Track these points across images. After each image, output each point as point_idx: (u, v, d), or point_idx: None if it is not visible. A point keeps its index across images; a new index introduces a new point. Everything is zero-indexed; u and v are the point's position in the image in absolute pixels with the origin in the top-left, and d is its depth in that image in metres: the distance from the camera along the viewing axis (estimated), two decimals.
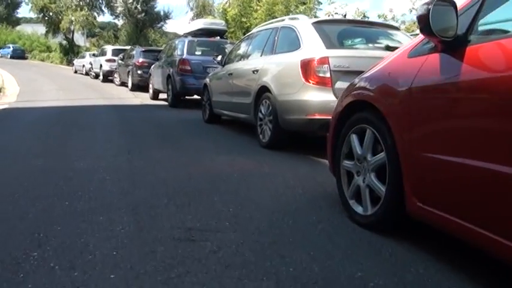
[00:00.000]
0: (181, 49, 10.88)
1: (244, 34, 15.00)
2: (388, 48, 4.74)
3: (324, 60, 4.48)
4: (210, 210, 2.81)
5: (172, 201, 2.99)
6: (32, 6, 36.10)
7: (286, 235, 2.41)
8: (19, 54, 41.12)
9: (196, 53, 10.76)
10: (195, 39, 10.99)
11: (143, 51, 16.45)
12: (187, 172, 3.93)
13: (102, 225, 2.49)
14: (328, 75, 4.46)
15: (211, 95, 7.53)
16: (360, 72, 4.70)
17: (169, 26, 40.62)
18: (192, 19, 24.08)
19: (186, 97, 11.62)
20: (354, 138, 2.68)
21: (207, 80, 7.88)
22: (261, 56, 5.76)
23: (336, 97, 4.43)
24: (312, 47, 4.72)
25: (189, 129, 7.21)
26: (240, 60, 6.48)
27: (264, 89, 5.29)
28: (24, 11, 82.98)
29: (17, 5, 49.53)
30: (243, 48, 6.67)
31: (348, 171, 2.78)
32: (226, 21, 14.40)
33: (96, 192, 3.19)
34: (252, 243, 2.29)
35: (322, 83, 4.48)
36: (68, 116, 8.69)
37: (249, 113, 5.79)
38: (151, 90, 13.27)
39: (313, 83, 4.51)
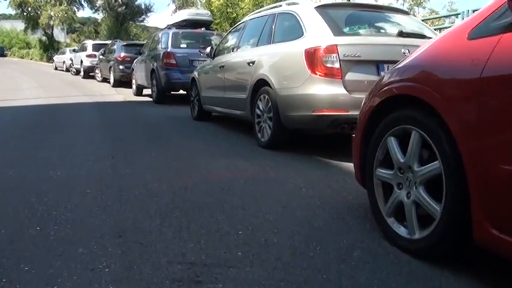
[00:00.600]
0: (165, 42, 10.27)
1: (231, 25, 14.43)
2: (401, 34, 4.25)
3: (332, 49, 3.96)
4: (215, 235, 2.28)
5: (167, 222, 2.45)
6: (10, 2, 34.99)
7: (318, 269, 1.89)
8: None
9: (181, 45, 10.17)
10: (180, 31, 10.39)
11: (124, 45, 15.80)
12: (182, 181, 3.39)
13: (81, 262, 1.95)
14: (337, 65, 3.95)
15: (200, 90, 6.98)
16: (373, 62, 4.32)
17: (150, 20, 39.85)
18: (175, 11, 23.35)
19: (172, 92, 11.08)
20: (393, 142, 2.17)
21: (195, 73, 7.32)
22: (256, 46, 5.22)
23: (347, 90, 3.94)
24: (317, 34, 4.19)
25: (177, 127, 6.65)
26: (232, 51, 5.92)
27: (261, 83, 4.76)
28: (2, 7, 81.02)
29: None
30: (235, 38, 6.10)
31: (384, 182, 2.27)
32: (212, 12, 13.74)
33: (75, 211, 2.64)
34: (277, 284, 1.77)
35: (330, 74, 3.96)
36: (46, 115, 8.08)
37: (244, 109, 5.26)
38: (134, 86, 12.65)
39: (320, 75, 3.99)
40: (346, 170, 3.76)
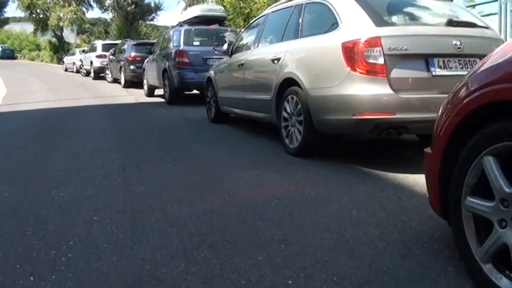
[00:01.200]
0: (177, 40, 9.77)
1: (244, 21, 13.89)
2: (451, 23, 3.68)
3: (374, 42, 3.40)
4: (260, 285, 1.76)
5: (194, 265, 1.93)
6: (18, 4, 34.79)
7: None
8: (8, 54, 39.80)
9: (194, 43, 9.67)
10: (192, 27, 9.87)
11: (135, 44, 15.35)
12: (205, 202, 2.88)
13: None
14: (381, 60, 3.39)
15: (217, 90, 6.46)
16: (422, 56, 3.68)
17: (160, 19, 39.38)
18: (185, 9, 22.86)
19: (185, 92, 10.59)
20: (492, 164, 1.60)
21: (211, 72, 6.80)
22: (281, 41, 4.67)
23: (393, 89, 3.39)
24: (356, 25, 3.63)
25: (194, 132, 6.15)
26: (253, 47, 5.38)
27: (289, 82, 4.22)
28: (12, 10, 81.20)
29: (4, 4, 47.92)
30: (255, 33, 5.55)
31: (477, 216, 1.72)
32: (224, 7, 13.18)
33: (78, 250, 2.14)
34: None
35: (373, 71, 3.40)
36: (54, 120, 7.65)
37: (268, 111, 4.74)
38: (145, 87, 12.17)
39: (361, 72, 3.43)
40: (396, 184, 3.22)
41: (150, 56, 11.72)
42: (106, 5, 24.99)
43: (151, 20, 27.83)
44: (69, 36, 40.39)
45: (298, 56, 4.18)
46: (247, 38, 5.86)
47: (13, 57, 39.67)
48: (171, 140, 5.45)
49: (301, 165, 3.84)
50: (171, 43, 10.04)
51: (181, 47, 9.44)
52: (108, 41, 22.69)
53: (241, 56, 5.58)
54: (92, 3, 35.07)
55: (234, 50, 6.05)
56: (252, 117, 5.36)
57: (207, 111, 7.13)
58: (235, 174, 3.58)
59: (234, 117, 6.43)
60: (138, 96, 12.13)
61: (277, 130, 4.61)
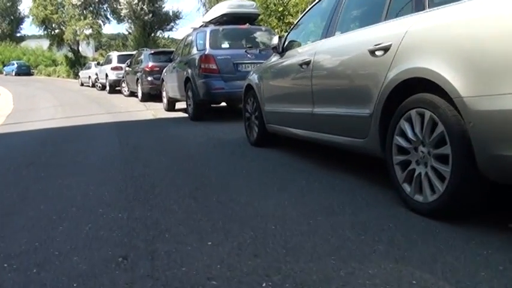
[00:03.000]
0: (202, 43, 8.07)
1: (279, 20, 12.12)
2: None
3: None
4: None
5: None
6: (33, 19, 33.80)
7: None
8: (24, 71, 38.82)
9: (223, 45, 7.95)
10: (220, 27, 8.14)
11: (152, 53, 13.81)
12: None
13: None
14: None
15: (261, 102, 4.71)
16: None
17: (178, 34, 38.10)
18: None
19: (212, 106, 8.88)
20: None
21: (253, 78, 5.03)
22: (384, 19, 2.86)
23: None
24: None
25: (231, 161, 4.38)
26: (325, 37, 3.57)
27: (412, 85, 2.42)
28: (29, 27, 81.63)
29: (21, 21, 47.46)
30: (325, 17, 3.72)
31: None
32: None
33: None
34: None
35: None
36: (51, 145, 6.08)
37: (362, 135, 2.92)
38: (165, 100, 10.53)
39: None
40: None
41: (170, 64, 10.06)
42: (122, 14, 23.49)
43: (170, 29, 26.38)
44: (87, 51, 39.38)
45: (435, 38, 2.34)
46: (310, 26, 4.08)
47: (29, 73, 38.67)
48: (199, 174, 3.72)
49: (459, 244, 2.01)
50: (195, 47, 8.34)
51: (207, 50, 7.73)
52: (124, 52, 21.19)
53: (305, 52, 3.78)
54: (108, 16, 33.93)
55: (288, 45, 4.28)
56: (325, 142, 3.55)
57: (246, 130, 5.36)
58: (323, 257, 1.78)
59: (286, 137, 4.64)
60: (157, 111, 10.49)
61: (370, 162, 2.81)
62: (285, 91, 4.17)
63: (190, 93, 8.15)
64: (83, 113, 11.10)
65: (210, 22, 8.64)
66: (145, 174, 3.86)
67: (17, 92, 20.12)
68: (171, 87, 9.71)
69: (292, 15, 11.83)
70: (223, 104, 9.05)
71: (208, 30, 8.05)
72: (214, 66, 7.59)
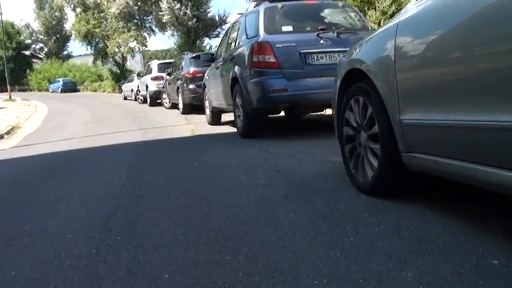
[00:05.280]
0: (253, 27, 5.75)
1: None
2: None
3: None
4: None
5: None
6: (75, 34, 32.97)
7: None
8: (70, 87, 38.12)
9: (284, 28, 5.58)
10: (278, 4, 5.73)
11: (194, 57, 11.68)
12: None
13: None
14: None
15: (394, 104, 2.23)
16: None
17: None
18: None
19: (270, 115, 6.55)
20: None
21: (369, 55, 2.56)
22: None
23: None
24: None
25: (330, 237, 1.97)
26: None
27: None
28: (75, 46, 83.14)
29: (67, 39, 47.49)
30: None
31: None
32: None
33: None
34: None
35: None
36: (37, 179, 4.20)
37: None
38: (207, 110, 8.32)
39: None
40: None
41: (212, 65, 7.79)
42: (164, 21, 21.66)
43: (217, 36, 24.18)
44: (135, 65, 38.30)
45: None
46: None
47: (75, 90, 37.95)
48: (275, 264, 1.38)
49: None
50: (243, 35, 6.03)
51: (262, 36, 5.40)
52: (164, 60, 19.28)
53: None
54: (153, 28, 32.40)
55: None
56: None
57: (345, 162, 2.88)
58: None
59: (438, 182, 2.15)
60: (198, 125, 8.31)
61: None
62: (480, 81, 1.69)
63: (238, 100, 5.82)
64: (110, 130, 9.14)
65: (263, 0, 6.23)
66: (169, 248, 1.60)
67: (54, 109, 18.94)
68: (214, 93, 7.45)
69: None
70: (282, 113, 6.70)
71: (261, 8, 5.68)
72: (273, 59, 5.24)
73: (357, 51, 2.61)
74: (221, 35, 26.40)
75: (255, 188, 3.01)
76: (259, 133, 5.74)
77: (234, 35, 6.66)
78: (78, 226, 2.49)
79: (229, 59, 6.29)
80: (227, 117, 7.86)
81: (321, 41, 5.32)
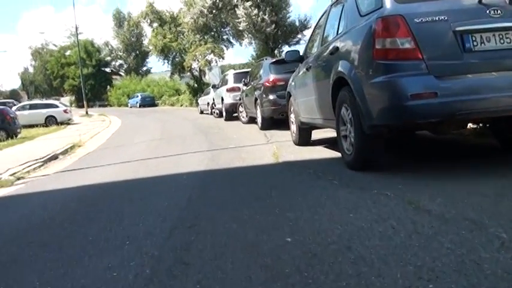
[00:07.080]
0: None
1: None
2: None
3: None
4: None
5: None
6: (152, 48, 32.80)
7: None
8: (149, 102, 38.04)
9: None
10: None
11: (274, 63, 9.79)
12: None
13: None
14: None
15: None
16: None
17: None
18: None
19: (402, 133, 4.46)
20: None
21: None
22: None
23: None
24: None
25: None
26: None
27: None
28: (154, 62, 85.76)
29: (145, 55, 48.22)
30: None
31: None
32: None
33: None
34: None
35: None
36: (75, 225, 2.67)
37: None
38: (293, 127, 6.33)
39: None
40: None
41: (300, 66, 5.80)
42: (240, 28, 20.12)
43: (297, 42, 22.23)
44: (213, 78, 37.58)
45: None
46: None
47: (153, 105, 37.80)
48: None
49: None
50: (353, 12, 3.98)
51: (389, 7, 3.32)
52: (241, 70, 17.59)
53: None
54: (231, 39, 31.22)
55: None
56: None
57: None
58: None
59: None
60: (280, 145, 6.39)
61: None
62: None
63: (346, 112, 3.75)
64: (175, 150, 7.54)
65: None
66: None
67: (127, 123, 18.46)
68: (303, 103, 5.46)
69: None
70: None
71: None
72: (410, 43, 3.17)
73: None
74: (302, 42, 24.38)
75: None
76: (383, 162, 3.63)
77: (334, 21, 4.62)
78: None
79: (330, 53, 4.25)
80: (319, 133, 5.85)
81: (488, 11, 3.16)
